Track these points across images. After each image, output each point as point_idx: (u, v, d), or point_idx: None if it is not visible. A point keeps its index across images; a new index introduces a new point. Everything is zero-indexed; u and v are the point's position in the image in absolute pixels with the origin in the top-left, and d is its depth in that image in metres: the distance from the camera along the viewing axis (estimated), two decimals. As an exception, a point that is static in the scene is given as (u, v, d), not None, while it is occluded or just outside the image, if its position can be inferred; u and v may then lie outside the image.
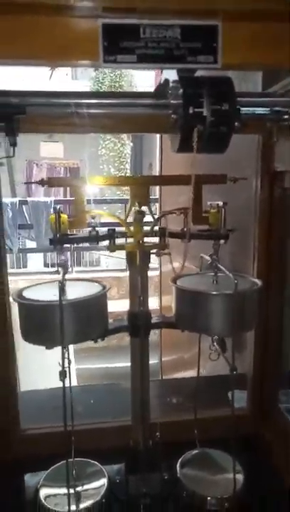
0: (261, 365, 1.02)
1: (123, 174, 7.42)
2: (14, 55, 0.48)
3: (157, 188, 2.43)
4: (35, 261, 6.02)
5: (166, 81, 0.61)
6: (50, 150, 7.54)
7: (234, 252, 1.31)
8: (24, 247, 5.54)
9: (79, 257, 6.13)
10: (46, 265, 5.99)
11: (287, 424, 0.96)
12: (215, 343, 0.81)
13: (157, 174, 2.54)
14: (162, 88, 0.64)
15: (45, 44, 0.47)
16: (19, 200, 4.88)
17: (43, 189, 7.59)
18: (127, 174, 7.64)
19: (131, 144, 8.25)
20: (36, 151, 7.38)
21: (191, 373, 1.90)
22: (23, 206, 4.83)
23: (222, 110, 0.52)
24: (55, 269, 5.32)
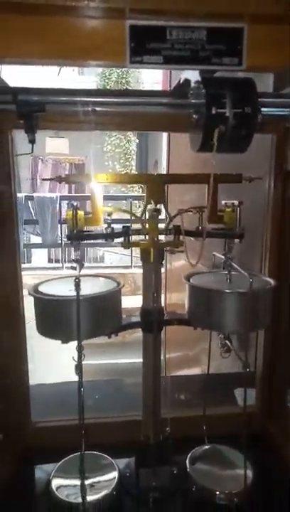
0: (270, 364, 1.02)
1: (133, 171, 7.41)
2: (46, 55, 0.49)
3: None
4: (40, 256, 6.04)
5: (187, 81, 0.61)
6: (56, 146, 7.54)
7: (244, 251, 1.32)
8: (29, 242, 5.56)
9: (84, 253, 6.15)
10: (50, 261, 6.02)
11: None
12: (227, 341, 0.82)
13: (165, 172, 2.54)
14: (182, 88, 0.65)
15: (75, 44, 0.48)
16: (25, 196, 4.89)
17: (48, 185, 7.61)
18: (133, 171, 7.63)
19: (137, 141, 8.24)
20: (42, 146, 7.39)
21: (195, 371, 1.92)
22: (29, 202, 4.84)
23: (245, 111, 0.52)
24: (59, 264, 5.35)
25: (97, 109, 0.69)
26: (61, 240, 4.81)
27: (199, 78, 0.55)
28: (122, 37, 0.48)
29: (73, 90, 0.70)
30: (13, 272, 0.91)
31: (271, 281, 0.78)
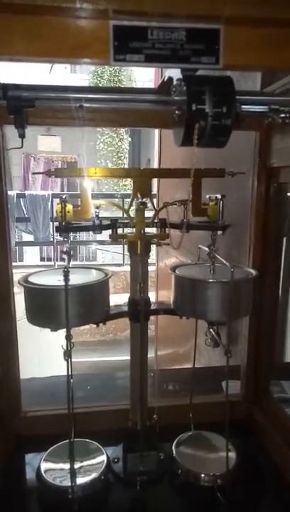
0: (254, 354, 1.06)
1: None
2: (32, 53, 0.51)
3: (156, 184, 2.48)
4: (32, 255, 6.04)
5: (170, 79, 0.64)
6: (48, 144, 7.54)
7: (230, 246, 1.35)
8: (21, 240, 5.56)
9: (76, 252, 6.16)
10: (42, 259, 6.02)
11: (278, 408, 1.01)
12: (211, 329, 0.86)
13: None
14: (165, 85, 0.68)
15: (60, 43, 0.51)
16: (16, 193, 4.89)
17: (40, 183, 7.60)
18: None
19: (129, 139, 8.26)
20: (34, 144, 7.37)
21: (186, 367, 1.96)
22: (21, 199, 4.85)
23: (223, 108, 0.56)
24: (51, 263, 5.35)
25: (85, 105, 0.72)
26: (53, 237, 4.82)
27: (181, 76, 0.58)
28: (106, 36, 0.51)
29: (62, 87, 0.72)
30: (4, 269, 0.93)
31: (253, 271, 0.82)
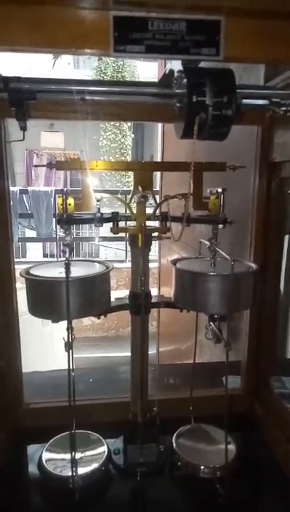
0: (255, 348, 1.06)
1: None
2: (33, 43, 0.52)
3: (158, 180, 2.48)
4: (35, 251, 6.06)
5: (171, 71, 0.64)
6: (51, 140, 7.54)
7: (233, 243, 1.35)
8: (23, 236, 5.57)
9: (79, 248, 6.18)
10: (45, 255, 6.04)
11: (277, 402, 1.01)
12: (212, 324, 0.86)
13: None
14: (167, 78, 0.68)
15: (61, 33, 0.51)
16: (19, 189, 4.90)
17: (43, 179, 7.61)
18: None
19: (133, 136, 8.24)
20: (37, 140, 7.37)
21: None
22: (23, 195, 4.85)
23: (224, 97, 0.56)
24: (54, 259, 5.36)
25: (86, 97, 0.72)
26: (56, 233, 4.83)
27: (181, 68, 0.58)
28: (107, 27, 0.51)
29: (64, 80, 0.73)
30: (7, 264, 0.94)
31: (253, 265, 0.82)
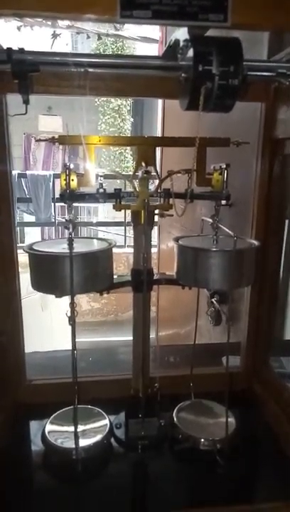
0: (255, 327, 1.08)
1: (127, 150, 7.34)
2: (38, 8, 0.50)
3: (158, 157, 2.45)
4: (33, 236, 6.03)
5: (176, 41, 0.63)
6: (49, 124, 7.42)
7: (232, 223, 1.35)
8: (22, 220, 5.54)
9: (77, 233, 6.15)
10: (44, 240, 6.02)
11: (276, 380, 1.03)
12: (213, 299, 0.87)
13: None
14: (171, 51, 0.67)
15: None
16: (18, 174, 4.85)
17: (41, 163, 7.53)
18: (127, 150, 7.56)
19: (132, 120, 8.14)
20: (34, 124, 7.26)
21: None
22: (22, 179, 4.81)
23: (230, 67, 0.55)
24: (53, 243, 5.35)
25: (90, 70, 0.71)
26: (54, 218, 4.81)
27: (187, 37, 0.57)
28: (113, -9, 0.50)
29: (67, 53, 0.72)
30: (9, 247, 0.94)
31: (255, 242, 0.82)
